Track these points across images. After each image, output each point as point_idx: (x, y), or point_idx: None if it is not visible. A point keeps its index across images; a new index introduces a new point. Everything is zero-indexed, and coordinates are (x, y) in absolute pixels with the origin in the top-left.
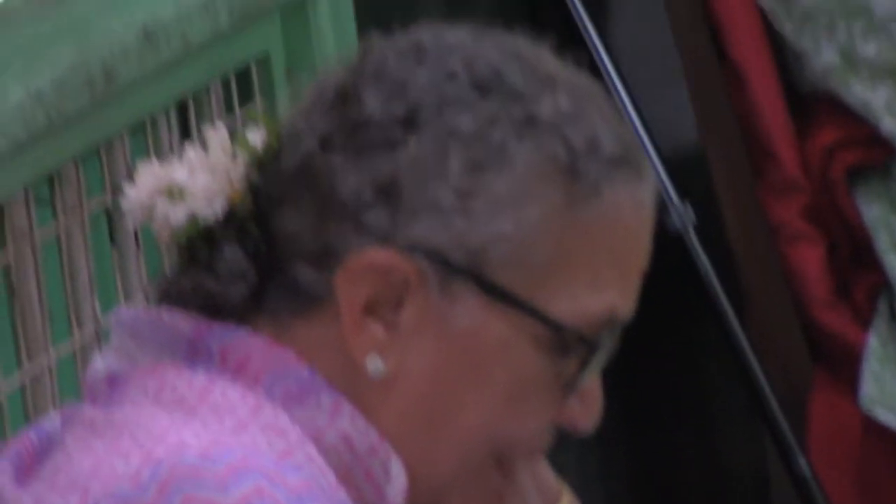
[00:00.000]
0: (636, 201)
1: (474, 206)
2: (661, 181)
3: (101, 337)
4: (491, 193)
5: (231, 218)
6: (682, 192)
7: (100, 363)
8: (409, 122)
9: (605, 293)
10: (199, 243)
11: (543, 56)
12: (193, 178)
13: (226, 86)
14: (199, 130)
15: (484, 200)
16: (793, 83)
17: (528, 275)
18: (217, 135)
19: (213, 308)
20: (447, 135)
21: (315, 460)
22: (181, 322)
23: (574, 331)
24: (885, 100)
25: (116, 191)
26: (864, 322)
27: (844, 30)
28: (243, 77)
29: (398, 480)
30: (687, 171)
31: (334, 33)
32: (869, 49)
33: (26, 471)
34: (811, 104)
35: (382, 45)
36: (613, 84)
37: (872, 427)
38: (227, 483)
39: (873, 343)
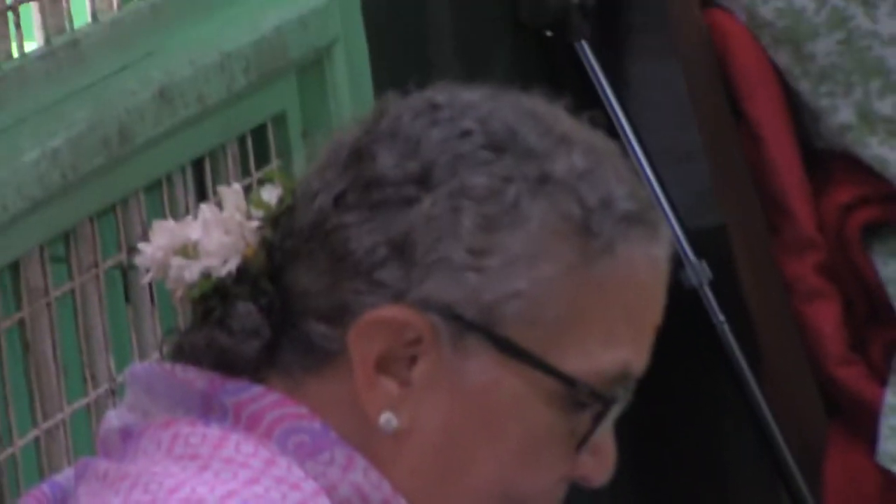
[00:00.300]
0: (650, 258)
1: (488, 263)
2: (678, 238)
3: (115, 393)
4: (505, 251)
5: (245, 274)
6: (698, 250)
7: (114, 418)
8: (423, 180)
9: (619, 349)
10: (212, 300)
11: (559, 115)
12: (208, 236)
13: (242, 144)
14: (215, 189)
15: (498, 258)
16: (808, 140)
17: (542, 331)
18: (232, 193)
19: (227, 364)
20: (461, 193)
21: None
22: (195, 378)
23: (587, 387)
24: None
25: (131, 248)
26: (881, 379)
27: (861, 88)
28: (260, 136)
29: None
30: (702, 228)
31: (350, 92)
32: (885, 107)
33: None
34: (827, 161)
35: (398, 103)
36: (630, 143)
37: (890, 483)
38: None
39: (891, 400)
